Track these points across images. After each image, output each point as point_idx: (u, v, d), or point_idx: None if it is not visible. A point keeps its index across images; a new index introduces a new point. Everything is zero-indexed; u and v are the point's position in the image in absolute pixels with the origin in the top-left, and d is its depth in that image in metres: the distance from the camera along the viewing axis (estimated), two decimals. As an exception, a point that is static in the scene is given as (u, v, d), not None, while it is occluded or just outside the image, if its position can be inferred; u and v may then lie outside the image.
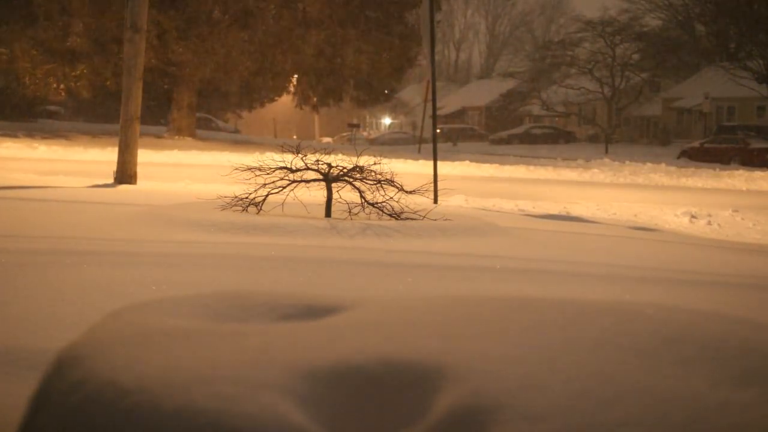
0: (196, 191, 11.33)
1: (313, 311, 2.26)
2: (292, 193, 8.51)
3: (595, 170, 25.58)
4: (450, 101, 75.88)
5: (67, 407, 1.62)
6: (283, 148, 8.73)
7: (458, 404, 1.55)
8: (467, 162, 26.22)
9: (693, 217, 12.13)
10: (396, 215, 8.42)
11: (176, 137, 33.14)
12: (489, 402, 1.54)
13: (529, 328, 1.95)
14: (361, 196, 8.49)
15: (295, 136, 64.87)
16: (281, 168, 8.54)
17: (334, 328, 1.99)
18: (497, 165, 26.04)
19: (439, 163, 12.34)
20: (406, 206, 8.52)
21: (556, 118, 66.34)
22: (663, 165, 30.26)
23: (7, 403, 2.69)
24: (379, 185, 8.56)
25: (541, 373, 1.65)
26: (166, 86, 34.13)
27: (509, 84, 71.37)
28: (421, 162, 23.07)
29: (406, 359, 1.72)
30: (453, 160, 27.07)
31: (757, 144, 38.45)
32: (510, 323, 2.00)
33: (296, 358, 1.75)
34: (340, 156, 8.78)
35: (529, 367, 1.67)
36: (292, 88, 37.27)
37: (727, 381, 1.66)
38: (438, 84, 15.15)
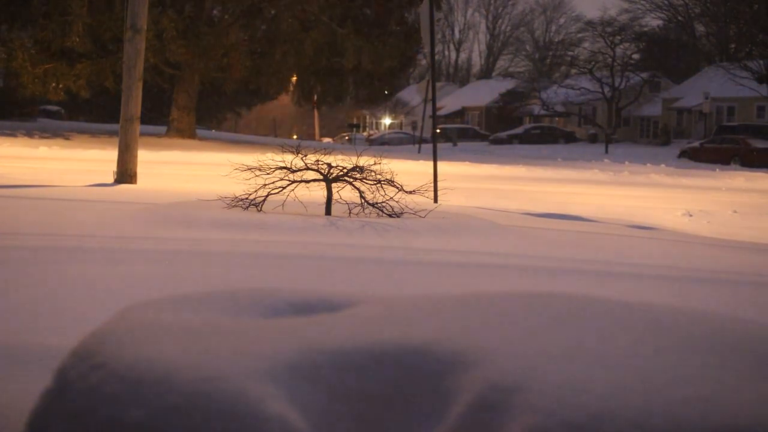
0: (196, 191, 11.35)
1: (321, 307, 2.27)
2: (292, 193, 8.54)
3: (595, 170, 25.61)
4: (450, 101, 75.85)
5: (81, 393, 1.64)
6: (283, 149, 8.75)
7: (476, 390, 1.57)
8: (467, 162, 26.24)
9: (692, 216, 12.14)
10: (396, 215, 8.45)
11: (176, 137, 33.15)
12: (500, 387, 1.55)
13: (529, 321, 1.97)
14: (361, 196, 8.52)
15: (295, 136, 64.89)
16: (281, 168, 8.57)
17: (341, 323, 2.01)
18: (497, 165, 26.07)
19: (439, 162, 12.36)
20: (406, 206, 8.54)
21: (556, 118, 66.35)
22: (663, 165, 30.31)
23: (20, 396, 2.72)
24: (379, 185, 8.59)
25: (544, 364, 1.67)
26: (166, 86, 34.14)
27: (509, 84, 71.37)
28: (421, 162, 23.08)
29: (420, 349, 1.74)
30: (453, 160, 27.09)
31: (757, 144, 38.47)
32: (512, 317, 2.02)
33: (306, 351, 1.77)
34: (340, 156, 8.80)
35: (533, 360, 1.69)
36: (291, 87, 37.28)
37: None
38: (438, 84, 15.17)
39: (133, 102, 12.41)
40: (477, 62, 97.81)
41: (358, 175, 8.58)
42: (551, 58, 64.64)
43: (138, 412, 1.57)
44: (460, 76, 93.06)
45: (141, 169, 12.71)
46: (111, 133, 28.38)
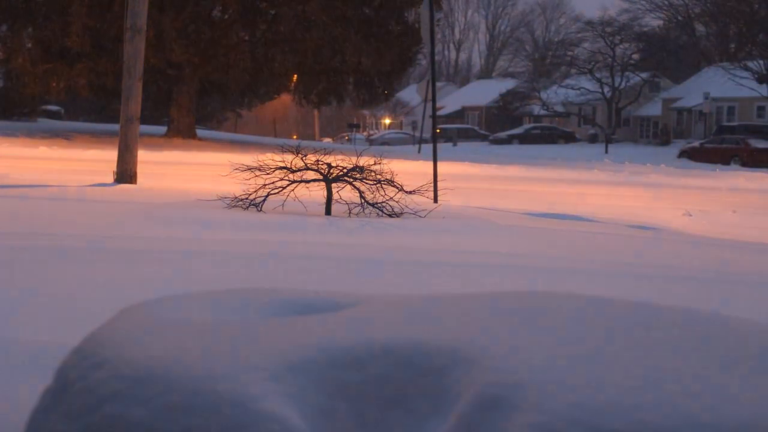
0: (196, 191, 11.35)
1: (321, 306, 2.28)
2: (292, 193, 8.55)
3: (595, 170, 25.60)
4: (450, 101, 75.83)
5: (82, 392, 1.65)
6: (283, 149, 8.77)
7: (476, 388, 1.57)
8: (467, 162, 26.23)
9: (692, 216, 12.15)
10: (396, 215, 8.46)
11: (176, 137, 33.13)
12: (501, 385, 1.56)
13: (529, 320, 1.98)
14: (361, 196, 8.52)
15: (295, 136, 64.86)
16: (281, 168, 8.58)
17: (341, 323, 2.01)
18: (497, 165, 26.06)
19: (439, 163, 12.35)
20: (406, 206, 8.55)
21: (556, 119, 66.34)
22: (663, 165, 30.30)
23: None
24: (378, 185, 8.60)
25: (545, 360, 1.67)
26: (166, 86, 34.12)
27: (509, 84, 71.36)
28: (421, 162, 23.07)
29: (420, 347, 1.75)
30: (453, 160, 27.08)
31: (757, 144, 38.48)
32: (512, 316, 2.02)
33: (306, 350, 1.77)
34: (340, 156, 8.81)
35: (533, 358, 1.70)
36: (292, 87, 37.24)
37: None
38: (438, 84, 15.14)
39: (133, 102, 12.41)
40: (477, 62, 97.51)
41: (358, 175, 8.60)
42: (551, 58, 64.55)
43: (139, 410, 1.57)
44: (460, 76, 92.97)
45: (141, 169, 12.71)
46: (111, 133, 28.37)
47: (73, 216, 8.23)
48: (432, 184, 10.98)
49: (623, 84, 60.31)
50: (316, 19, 31.18)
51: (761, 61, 49.69)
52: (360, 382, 1.70)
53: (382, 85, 36.10)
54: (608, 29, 60.94)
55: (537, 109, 65.67)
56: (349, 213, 8.43)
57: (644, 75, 61.17)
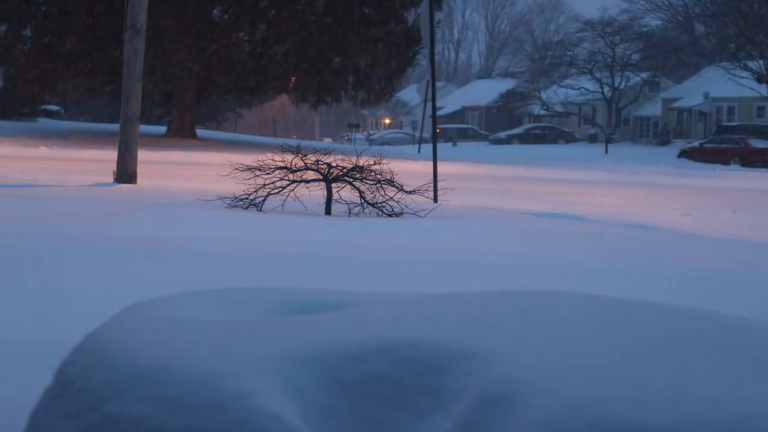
0: (196, 190, 11.35)
1: (321, 306, 2.28)
2: (292, 193, 8.56)
3: (595, 170, 25.61)
4: (450, 101, 75.85)
5: (83, 390, 1.65)
6: (283, 149, 8.78)
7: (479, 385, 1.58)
8: (467, 162, 26.24)
9: (692, 216, 12.15)
10: (396, 214, 8.47)
11: (176, 137, 33.13)
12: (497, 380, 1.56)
13: (529, 319, 1.98)
14: (361, 196, 8.53)
15: (294, 136, 64.88)
16: (281, 168, 8.59)
17: (341, 322, 2.02)
18: (497, 165, 26.07)
19: (439, 162, 12.35)
20: (406, 206, 8.56)
21: (556, 119, 66.35)
22: (663, 165, 30.30)
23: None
24: (378, 185, 8.61)
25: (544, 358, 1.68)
26: (166, 86, 34.14)
27: (509, 84, 71.43)
28: (421, 162, 23.07)
29: (420, 346, 1.75)
30: (453, 160, 27.08)
31: (757, 144, 38.52)
32: (512, 315, 2.03)
33: (305, 349, 1.77)
34: (340, 156, 8.82)
35: (534, 356, 1.71)
36: (290, 87, 37.23)
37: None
38: (438, 84, 15.14)
39: (133, 102, 12.42)
40: (477, 62, 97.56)
41: (358, 175, 8.61)
42: (551, 58, 64.53)
43: (139, 409, 1.58)
44: (460, 76, 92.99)
45: (141, 169, 12.71)
46: (111, 133, 28.37)
47: (73, 215, 8.23)
48: (432, 184, 10.99)
49: (623, 84, 60.33)
50: (316, 19, 31.19)
51: (761, 61, 49.67)
52: (360, 380, 1.70)
53: (382, 86, 36.10)
54: (608, 29, 60.93)
55: (537, 109, 65.69)
56: (349, 213, 8.44)
57: (644, 75, 61.18)
